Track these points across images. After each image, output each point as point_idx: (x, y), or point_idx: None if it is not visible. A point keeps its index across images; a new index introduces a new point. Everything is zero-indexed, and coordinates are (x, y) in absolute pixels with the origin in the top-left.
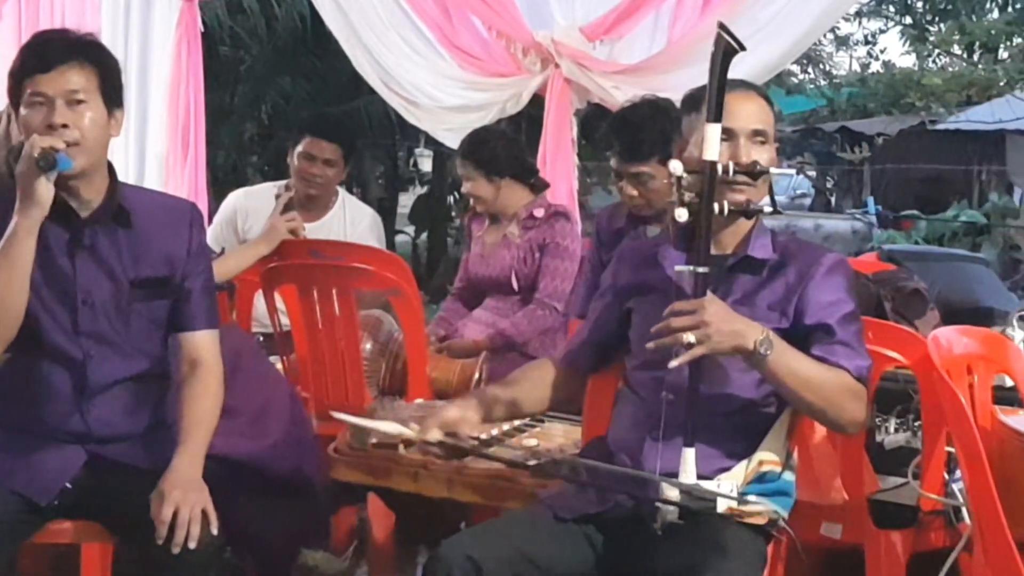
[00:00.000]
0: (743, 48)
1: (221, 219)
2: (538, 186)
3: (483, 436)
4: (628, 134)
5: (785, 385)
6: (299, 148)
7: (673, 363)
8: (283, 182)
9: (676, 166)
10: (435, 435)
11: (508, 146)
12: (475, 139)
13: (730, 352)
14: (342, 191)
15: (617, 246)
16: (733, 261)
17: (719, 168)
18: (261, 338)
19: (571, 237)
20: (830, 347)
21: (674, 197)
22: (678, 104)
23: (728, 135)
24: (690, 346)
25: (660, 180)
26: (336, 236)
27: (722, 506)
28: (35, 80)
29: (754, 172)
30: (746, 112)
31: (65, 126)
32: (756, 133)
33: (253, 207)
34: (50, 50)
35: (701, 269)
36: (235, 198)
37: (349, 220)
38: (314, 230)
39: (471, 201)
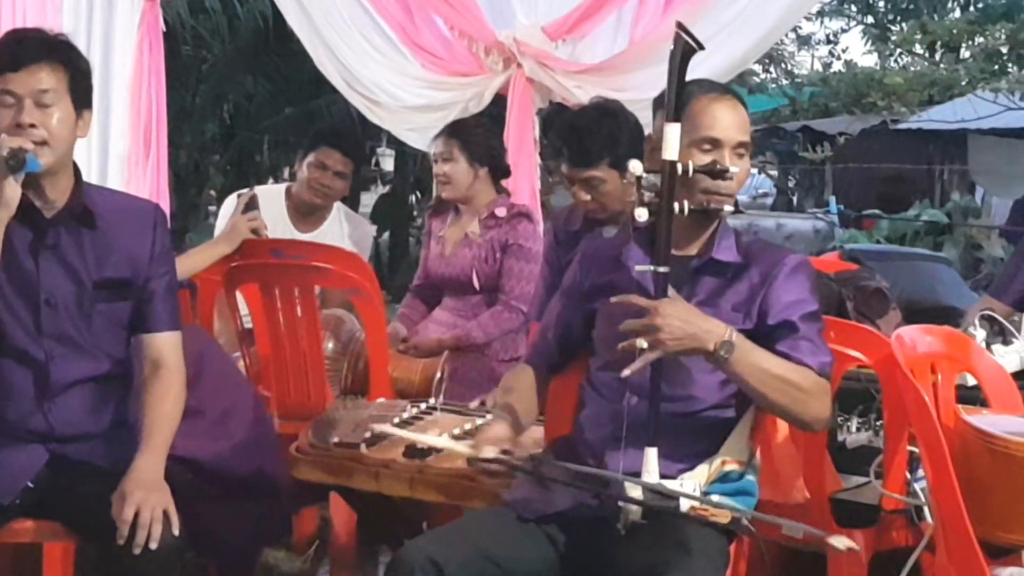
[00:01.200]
0: (702, 47)
1: (224, 219)
2: (502, 190)
3: (444, 435)
4: (576, 139)
5: (749, 384)
6: (310, 158)
7: (626, 372)
8: (284, 184)
9: (636, 166)
10: (489, 452)
11: (496, 140)
12: (466, 123)
13: (688, 354)
14: (337, 203)
15: (574, 247)
16: (698, 263)
17: (679, 168)
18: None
19: (534, 238)
20: (794, 343)
21: (634, 197)
22: (627, 107)
23: (714, 145)
24: (643, 351)
25: (611, 184)
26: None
27: (685, 506)
28: (5, 78)
29: (715, 172)
30: (734, 123)
31: (33, 126)
32: (741, 145)
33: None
34: (22, 49)
35: (662, 269)
36: (234, 199)
37: (347, 233)
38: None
39: (437, 186)
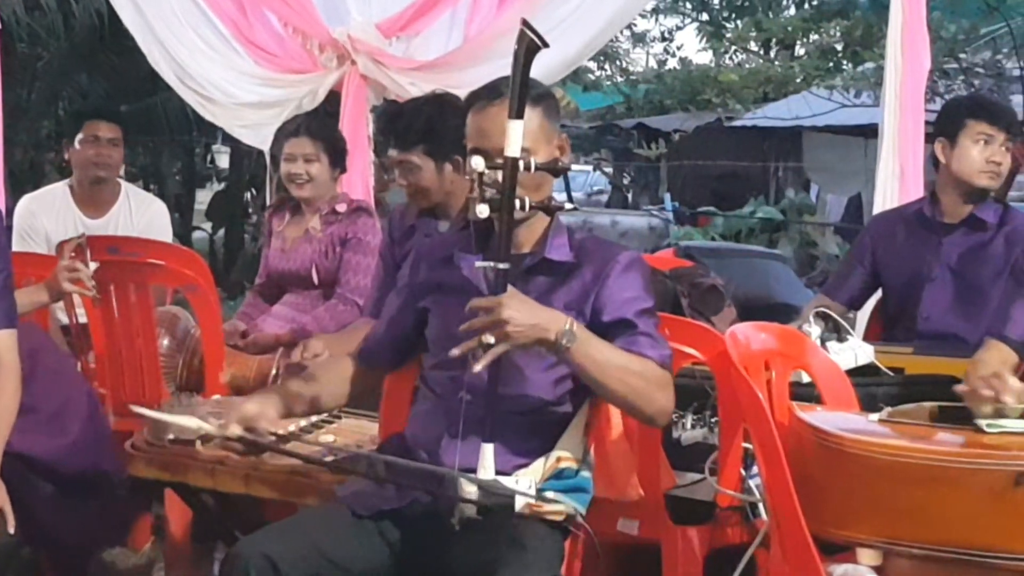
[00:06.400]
0: (546, 45)
1: (16, 229)
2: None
3: (280, 432)
4: (395, 123)
5: (591, 376)
6: (80, 136)
7: (477, 367)
8: (66, 182)
9: (478, 162)
10: (235, 430)
11: (346, 141)
12: (326, 124)
13: (532, 345)
14: (124, 183)
15: (408, 243)
16: (530, 263)
17: (522, 165)
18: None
19: (372, 232)
20: (632, 338)
21: (475, 193)
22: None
23: (481, 154)
24: (490, 347)
25: (426, 172)
26: (124, 229)
27: (520, 502)
28: None
29: (557, 169)
30: (496, 130)
31: None
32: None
33: (38, 208)
34: None
35: (502, 265)
36: (26, 202)
37: (135, 211)
38: (100, 227)
39: (291, 176)
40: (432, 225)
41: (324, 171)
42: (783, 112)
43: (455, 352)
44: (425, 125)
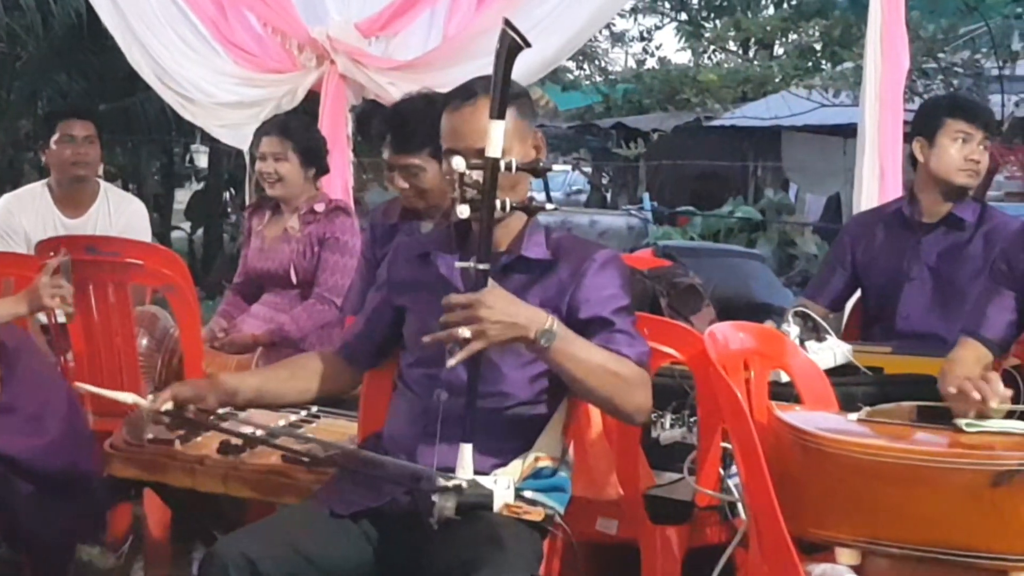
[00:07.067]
0: (528, 45)
1: None
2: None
3: (259, 432)
4: (399, 125)
5: (570, 374)
6: (55, 136)
7: (451, 362)
8: (44, 181)
9: (459, 163)
10: (166, 405)
11: (324, 141)
12: (299, 123)
13: (510, 343)
14: (103, 183)
15: (390, 242)
16: (507, 261)
17: (503, 165)
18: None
19: (350, 232)
20: (609, 336)
21: (456, 194)
22: None
23: (455, 154)
24: (466, 342)
25: (431, 174)
26: (103, 229)
27: (498, 502)
28: None
29: (537, 170)
30: (469, 131)
31: None
32: (481, 151)
33: (17, 208)
34: None
35: (482, 266)
36: (5, 201)
37: (114, 211)
38: (79, 226)
39: (262, 182)
40: (415, 227)
41: (294, 170)
42: (762, 112)
43: (427, 339)
44: (432, 128)
